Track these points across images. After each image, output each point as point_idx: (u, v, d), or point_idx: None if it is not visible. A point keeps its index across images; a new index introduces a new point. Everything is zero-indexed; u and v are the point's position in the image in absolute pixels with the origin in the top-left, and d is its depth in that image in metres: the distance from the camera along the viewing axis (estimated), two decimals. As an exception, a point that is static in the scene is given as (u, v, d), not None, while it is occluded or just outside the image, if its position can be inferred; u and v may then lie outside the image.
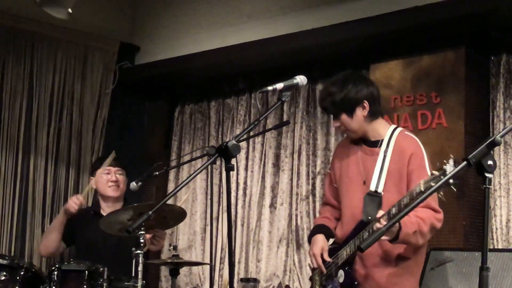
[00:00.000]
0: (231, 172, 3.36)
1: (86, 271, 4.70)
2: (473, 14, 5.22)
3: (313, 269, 4.36)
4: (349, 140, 4.31)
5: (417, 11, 5.43)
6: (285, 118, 6.52)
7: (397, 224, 3.73)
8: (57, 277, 4.73)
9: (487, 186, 2.65)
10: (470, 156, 2.63)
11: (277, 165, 6.60)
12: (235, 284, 6.44)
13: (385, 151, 4.11)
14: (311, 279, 4.43)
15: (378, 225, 3.79)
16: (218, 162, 6.22)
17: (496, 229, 5.40)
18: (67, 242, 5.49)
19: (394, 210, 3.75)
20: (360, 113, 4.06)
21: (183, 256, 6.07)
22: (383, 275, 4.08)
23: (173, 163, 6.94)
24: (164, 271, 6.79)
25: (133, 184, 5.02)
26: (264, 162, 6.67)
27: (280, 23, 6.08)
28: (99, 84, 6.85)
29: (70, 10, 5.25)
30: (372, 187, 4.06)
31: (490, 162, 2.66)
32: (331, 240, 4.41)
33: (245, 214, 6.74)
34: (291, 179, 6.36)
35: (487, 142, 2.65)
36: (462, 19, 5.31)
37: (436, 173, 3.48)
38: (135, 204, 4.79)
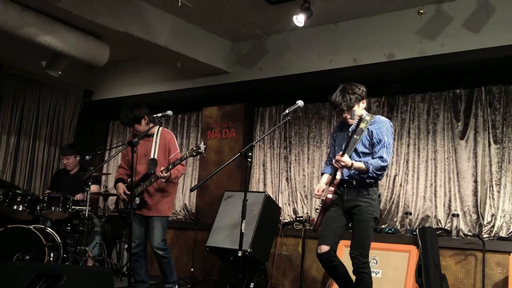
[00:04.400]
0: (135, 154, 3.76)
1: (61, 197, 5.13)
2: (246, 90, 5.75)
3: (122, 200, 4.44)
4: (134, 135, 4.31)
5: (223, 86, 5.92)
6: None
7: (170, 173, 4.11)
8: (46, 200, 5.13)
9: (248, 164, 3.18)
10: (242, 151, 3.21)
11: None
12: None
13: (156, 138, 4.34)
14: (116, 203, 4.59)
15: (160, 174, 4.07)
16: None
17: (255, 182, 5.97)
18: (54, 189, 5.57)
19: (170, 167, 4.10)
20: (144, 122, 4.29)
21: (110, 191, 6.15)
22: (154, 199, 4.30)
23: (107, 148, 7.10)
24: (100, 200, 6.95)
25: (87, 157, 5.20)
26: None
27: (164, 85, 6.36)
28: (72, 110, 7.04)
29: (60, 72, 5.23)
30: (152, 156, 4.27)
31: (250, 154, 3.18)
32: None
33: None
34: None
35: (248, 146, 3.26)
36: (244, 91, 5.87)
37: (195, 148, 3.91)
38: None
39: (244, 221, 3.10)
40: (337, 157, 3.23)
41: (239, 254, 3.19)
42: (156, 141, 4.32)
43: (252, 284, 4.97)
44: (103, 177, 7.18)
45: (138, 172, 4.30)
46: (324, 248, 3.28)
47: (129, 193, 4.28)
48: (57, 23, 4.75)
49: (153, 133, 4.37)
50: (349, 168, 3.25)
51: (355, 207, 3.33)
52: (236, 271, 4.61)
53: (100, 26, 4.78)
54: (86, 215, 5.00)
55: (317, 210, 3.41)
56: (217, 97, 6.14)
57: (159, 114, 4.05)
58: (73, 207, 5.16)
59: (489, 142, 4.85)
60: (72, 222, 5.26)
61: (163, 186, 4.30)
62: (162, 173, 4.06)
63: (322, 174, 3.63)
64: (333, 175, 3.34)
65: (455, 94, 5.10)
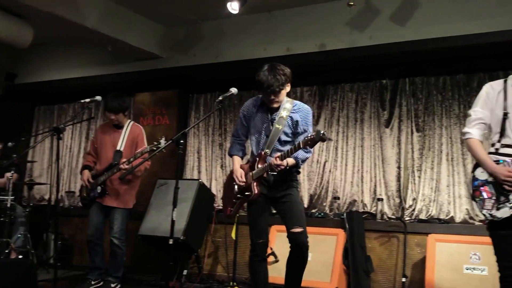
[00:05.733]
0: (61, 141, 3.73)
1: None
2: (180, 76, 5.73)
3: (83, 187, 4.57)
4: (107, 124, 4.56)
5: (156, 71, 5.82)
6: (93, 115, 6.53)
7: (131, 165, 4.21)
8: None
9: (180, 151, 3.32)
10: (174, 138, 3.24)
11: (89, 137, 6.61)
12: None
13: (125, 131, 4.50)
14: (80, 191, 4.66)
15: (123, 166, 4.19)
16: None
17: (190, 169, 6.01)
18: None
19: (131, 159, 4.20)
20: (125, 113, 4.48)
21: (36, 180, 6.67)
22: (117, 190, 4.44)
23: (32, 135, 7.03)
24: (25, 189, 6.71)
25: (10, 144, 5.28)
26: (79, 134, 6.77)
27: (94, 69, 6.21)
28: (-6, 94, 6.69)
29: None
30: (118, 148, 4.43)
31: (182, 141, 3.18)
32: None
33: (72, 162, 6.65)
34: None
35: (180, 133, 3.25)
36: (178, 77, 5.82)
37: (156, 143, 4.02)
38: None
39: (175, 209, 3.09)
40: (278, 162, 3.05)
41: (170, 242, 3.17)
42: (125, 134, 4.43)
43: (185, 271, 4.99)
44: (28, 165, 7.09)
45: (103, 161, 4.43)
46: (263, 240, 3.29)
47: (92, 181, 4.33)
48: (-28, -1, 4.53)
49: (123, 126, 4.47)
50: (285, 168, 3.13)
51: (285, 195, 3.28)
52: (168, 259, 4.49)
53: (23, 5, 4.60)
54: (9, 205, 4.91)
55: (234, 201, 3.34)
56: (149, 82, 6.10)
57: (87, 100, 3.98)
58: (-8, 196, 5.02)
59: (411, 130, 5.08)
60: (-8, 213, 5.17)
61: (127, 178, 4.36)
62: (123, 165, 4.16)
63: (231, 155, 3.43)
64: (265, 171, 3.22)
65: (381, 84, 5.32)
